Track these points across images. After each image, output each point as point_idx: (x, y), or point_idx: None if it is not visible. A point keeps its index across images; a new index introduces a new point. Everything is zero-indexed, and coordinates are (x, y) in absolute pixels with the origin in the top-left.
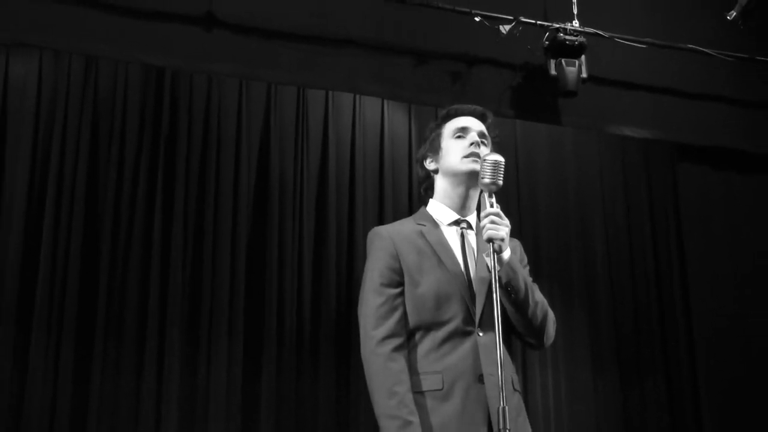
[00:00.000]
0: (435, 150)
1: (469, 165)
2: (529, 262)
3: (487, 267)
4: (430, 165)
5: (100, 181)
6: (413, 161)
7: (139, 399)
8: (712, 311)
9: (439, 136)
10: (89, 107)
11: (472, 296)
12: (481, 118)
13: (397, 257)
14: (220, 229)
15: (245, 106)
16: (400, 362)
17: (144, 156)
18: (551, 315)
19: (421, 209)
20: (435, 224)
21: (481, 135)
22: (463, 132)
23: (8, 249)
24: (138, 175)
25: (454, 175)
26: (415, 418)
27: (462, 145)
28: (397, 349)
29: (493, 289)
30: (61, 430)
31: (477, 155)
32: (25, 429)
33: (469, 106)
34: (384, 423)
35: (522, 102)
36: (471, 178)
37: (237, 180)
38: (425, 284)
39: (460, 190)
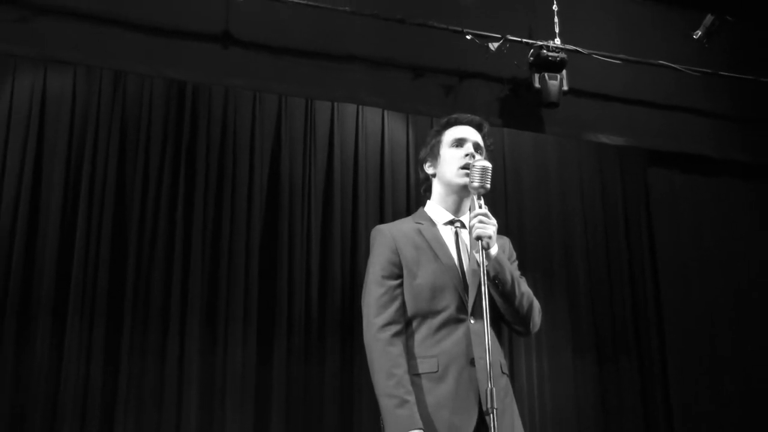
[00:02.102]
0: (434, 156)
1: (463, 179)
2: (516, 257)
3: (477, 262)
4: (429, 169)
5: (127, 184)
6: (411, 165)
7: (162, 379)
8: (680, 299)
9: (438, 143)
10: (118, 117)
11: (465, 287)
12: (478, 127)
13: (397, 252)
14: (236, 227)
15: (258, 116)
16: (398, 347)
17: (167, 161)
18: (537, 305)
19: (420, 209)
20: (432, 223)
21: (476, 146)
22: (459, 143)
23: (46, 245)
24: (162, 179)
25: (448, 184)
26: (412, 397)
27: (458, 155)
28: (396, 335)
29: (482, 282)
30: (93, 409)
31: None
32: (61, 408)
33: (468, 115)
34: (383, 401)
35: (509, 112)
36: (464, 188)
37: (251, 182)
38: (422, 276)
39: (454, 197)
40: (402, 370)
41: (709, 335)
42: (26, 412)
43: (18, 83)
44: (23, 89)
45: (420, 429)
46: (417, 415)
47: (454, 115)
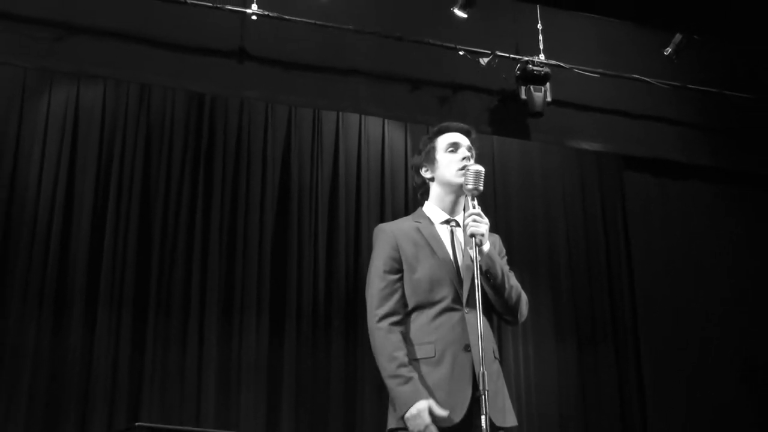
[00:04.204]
0: (430, 161)
1: (462, 178)
2: (506, 253)
3: (471, 257)
4: (425, 173)
5: (151, 187)
6: (409, 170)
7: (184, 364)
8: (652, 291)
9: (433, 149)
10: (143, 126)
11: (460, 281)
12: (467, 134)
13: (397, 249)
14: (249, 226)
15: (270, 125)
16: (398, 334)
17: (187, 166)
18: (524, 297)
19: (418, 209)
20: (429, 222)
21: (468, 150)
22: (454, 147)
23: (79, 243)
24: (183, 182)
25: (448, 185)
26: (414, 374)
27: (455, 159)
28: (396, 323)
29: (475, 275)
30: (121, 391)
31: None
32: (92, 389)
33: (458, 123)
34: (388, 383)
35: (498, 121)
36: (462, 188)
37: (264, 185)
38: (421, 271)
39: (452, 196)
40: (402, 353)
41: (677, 323)
42: (61, 393)
43: (54, 96)
44: (59, 101)
45: (425, 399)
46: (421, 388)
47: (445, 123)
